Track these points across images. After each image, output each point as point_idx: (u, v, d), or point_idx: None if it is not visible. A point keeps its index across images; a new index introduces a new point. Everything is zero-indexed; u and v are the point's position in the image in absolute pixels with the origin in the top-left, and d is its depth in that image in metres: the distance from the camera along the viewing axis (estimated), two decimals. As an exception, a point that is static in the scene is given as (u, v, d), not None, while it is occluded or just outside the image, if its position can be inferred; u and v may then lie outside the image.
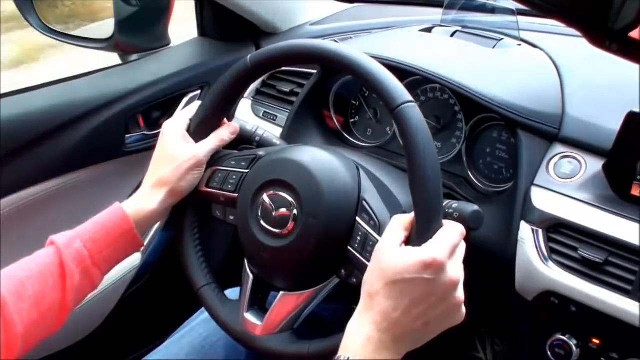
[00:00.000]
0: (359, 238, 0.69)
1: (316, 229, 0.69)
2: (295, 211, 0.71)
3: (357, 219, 0.70)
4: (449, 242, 0.59)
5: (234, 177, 0.78)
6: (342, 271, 0.71)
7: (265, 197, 0.73)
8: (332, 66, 0.79)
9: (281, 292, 0.74)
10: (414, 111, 0.63)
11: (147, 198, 0.75)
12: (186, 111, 0.81)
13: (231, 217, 0.79)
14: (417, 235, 0.61)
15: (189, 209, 0.81)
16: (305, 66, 1.11)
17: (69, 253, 0.69)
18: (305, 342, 0.72)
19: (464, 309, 0.60)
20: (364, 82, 0.68)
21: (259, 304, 0.77)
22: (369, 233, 0.69)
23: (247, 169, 0.78)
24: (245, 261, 0.78)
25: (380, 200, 0.72)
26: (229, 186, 0.78)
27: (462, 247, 0.61)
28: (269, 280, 0.76)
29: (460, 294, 0.59)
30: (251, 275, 0.77)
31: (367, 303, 0.59)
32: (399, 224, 0.62)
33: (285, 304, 0.73)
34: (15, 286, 0.66)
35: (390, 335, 0.57)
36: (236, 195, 0.78)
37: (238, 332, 0.75)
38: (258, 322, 0.74)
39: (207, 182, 0.80)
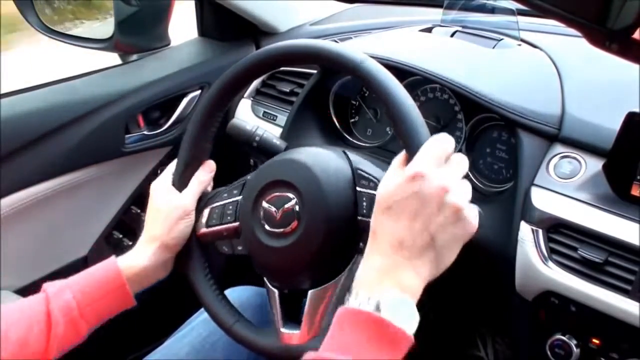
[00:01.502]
0: (364, 204, 0.69)
1: (321, 218, 0.69)
2: (297, 207, 0.70)
3: (357, 188, 0.70)
4: (431, 152, 0.58)
5: (230, 207, 0.78)
6: (361, 244, 0.70)
7: (264, 203, 0.73)
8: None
9: (309, 292, 0.72)
10: (374, 64, 0.67)
11: (139, 254, 0.76)
12: (169, 167, 0.82)
13: (239, 248, 0.78)
14: (409, 160, 0.61)
15: (195, 254, 0.80)
16: (305, 66, 1.11)
17: (57, 303, 0.70)
18: None
19: (471, 218, 0.57)
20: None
21: (293, 316, 0.75)
22: (372, 193, 0.68)
23: (240, 195, 0.78)
24: (265, 280, 0.77)
25: (373, 165, 0.73)
26: (228, 217, 0.78)
27: (456, 156, 0.60)
28: (292, 285, 0.75)
29: (456, 199, 0.56)
30: (276, 291, 0.75)
31: (370, 241, 0.58)
32: (396, 162, 0.61)
33: (316, 301, 0.72)
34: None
35: (399, 258, 0.56)
36: (237, 224, 0.77)
37: (281, 350, 0.73)
38: (296, 332, 0.73)
39: (206, 222, 0.79)
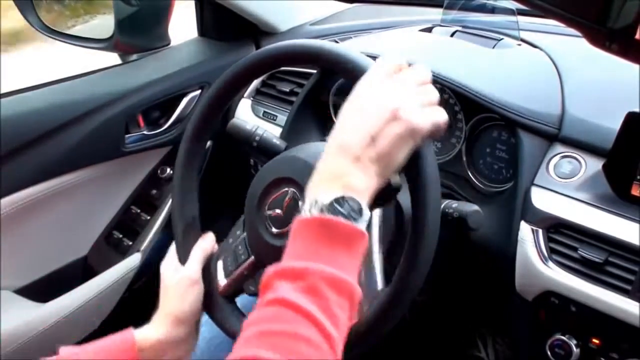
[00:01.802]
0: None
1: None
2: (300, 202, 0.70)
3: None
4: (378, 67, 0.62)
5: (240, 247, 0.78)
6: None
7: (267, 210, 0.72)
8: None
9: None
10: None
11: (155, 327, 0.75)
12: (173, 247, 0.82)
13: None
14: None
15: (228, 311, 0.78)
16: (305, 66, 1.11)
17: None
18: None
19: (413, 117, 0.58)
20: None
21: None
22: None
23: (244, 231, 0.78)
24: None
25: None
26: (242, 256, 0.77)
27: (409, 68, 0.62)
28: None
29: (394, 101, 0.58)
30: None
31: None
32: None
33: None
34: None
35: (344, 161, 0.57)
36: (252, 258, 0.76)
37: None
38: None
39: (224, 273, 0.79)
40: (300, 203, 0.70)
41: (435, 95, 0.61)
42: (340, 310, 0.52)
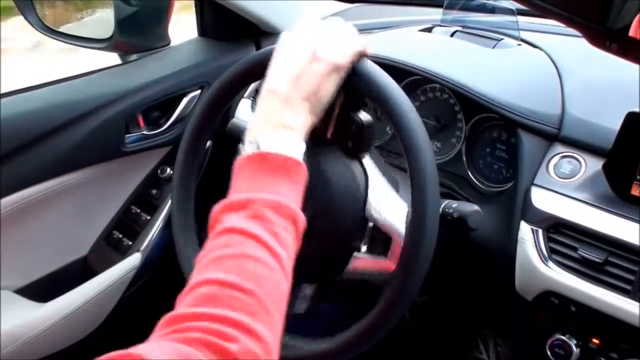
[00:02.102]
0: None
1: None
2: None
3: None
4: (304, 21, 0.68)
5: None
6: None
7: None
8: None
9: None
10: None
11: None
12: None
13: None
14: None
15: None
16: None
17: None
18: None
19: (324, 52, 0.63)
20: None
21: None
22: None
23: None
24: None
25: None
26: None
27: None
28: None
29: (307, 43, 0.64)
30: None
31: None
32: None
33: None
34: None
35: (275, 104, 0.62)
36: None
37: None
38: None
39: None
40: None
41: (350, 30, 0.67)
42: (285, 232, 0.56)
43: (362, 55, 0.67)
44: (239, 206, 0.56)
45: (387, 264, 0.69)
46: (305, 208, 0.68)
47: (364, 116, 0.69)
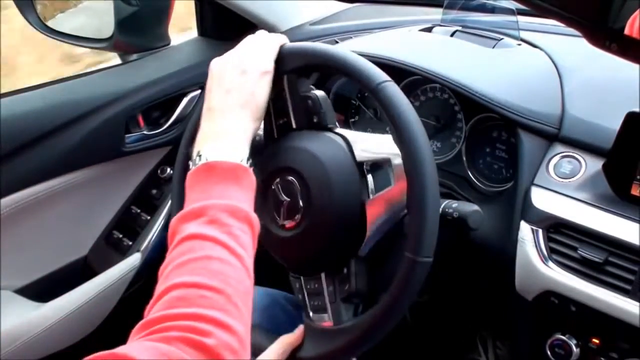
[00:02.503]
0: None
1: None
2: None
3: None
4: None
5: None
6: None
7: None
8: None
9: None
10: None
11: None
12: None
13: None
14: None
15: None
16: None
17: None
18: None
19: (247, 62, 0.69)
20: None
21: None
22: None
23: None
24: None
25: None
26: None
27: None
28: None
29: (230, 60, 0.70)
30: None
31: None
32: None
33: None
34: None
35: (214, 118, 0.66)
36: None
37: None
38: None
39: None
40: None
41: (264, 36, 0.72)
42: (243, 233, 0.58)
43: (281, 48, 0.71)
44: (194, 215, 0.58)
45: (396, 186, 0.69)
46: (309, 191, 0.69)
47: (317, 92, 0.73)
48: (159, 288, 0.53)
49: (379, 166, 0.71)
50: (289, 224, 0.71)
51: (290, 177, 0.71)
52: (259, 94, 0.68)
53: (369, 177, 0.70)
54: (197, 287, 0.52)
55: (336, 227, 0.69)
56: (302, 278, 0.75)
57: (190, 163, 0.63)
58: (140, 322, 0.51)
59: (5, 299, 1.08)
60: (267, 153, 0.76)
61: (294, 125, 0.74)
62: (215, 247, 0.55)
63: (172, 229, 0.59)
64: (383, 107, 0.66)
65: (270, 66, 0.69)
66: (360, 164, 0.70)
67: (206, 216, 0.57)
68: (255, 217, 0.61)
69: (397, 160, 0.68)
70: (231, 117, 0.65)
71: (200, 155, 0.62)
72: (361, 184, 0.70)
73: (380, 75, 0.66)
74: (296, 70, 0.71)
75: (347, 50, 0.70)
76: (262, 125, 0.75)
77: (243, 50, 0.71)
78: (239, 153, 0.63)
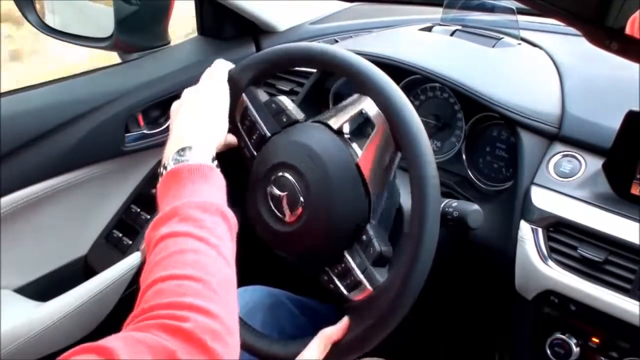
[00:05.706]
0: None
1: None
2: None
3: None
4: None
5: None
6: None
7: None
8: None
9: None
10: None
11: None
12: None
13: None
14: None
15: None
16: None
17: None
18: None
19: (198, 87, 0.75)
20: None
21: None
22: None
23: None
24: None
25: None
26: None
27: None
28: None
29: (191, 92, 0.75)
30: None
31: None
32: None
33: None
34: None
35: (178, 134, 0.69)
36: None
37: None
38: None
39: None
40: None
41: (218, 64, 0.79)
42: (216, 226, 0.58)
43: (230, 70, 0.77)
44: (167, 218, 0.58)
45: (378, 130, 0.69)
46: (305, 180, 0.70)
47: (277, 96, 0.77)
48: (142, 286, 0.53)
49: (358, 129, 0.72)
50: (291, 218, 0.71)
51: (284, 173, 0.71)
52: (215, 108, 0.72)
53: (354, 145, 0.71)
54: (172, 279, 0.52)
55: (340, 204, 0.69)
56: (326, 268, 0.74)
57: (159, 177, 0.65)
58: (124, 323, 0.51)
59: (5, 298, 1.08)
60: (256, 162, 0.77)
61: (268, 134, 0.76)
62: (188, 241, 0.56)
63: (147, 238, 0.59)
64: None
65: (222, 83, 0.75)
66: (340, 133, 0.71)
67: (178, 216, 0.58)
68: (229, 211, 0.61)
69: (369, 109, 0.69)
70: (194, 133, 0.68)
71: (165, 167, 0.64)
72: (348, 151, 0.70)
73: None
74: (251, 81, 0.77)
75: (281, 45, 0.75)
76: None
77: (199, 82, 0.77)
78: (203, 156, 0.65)
